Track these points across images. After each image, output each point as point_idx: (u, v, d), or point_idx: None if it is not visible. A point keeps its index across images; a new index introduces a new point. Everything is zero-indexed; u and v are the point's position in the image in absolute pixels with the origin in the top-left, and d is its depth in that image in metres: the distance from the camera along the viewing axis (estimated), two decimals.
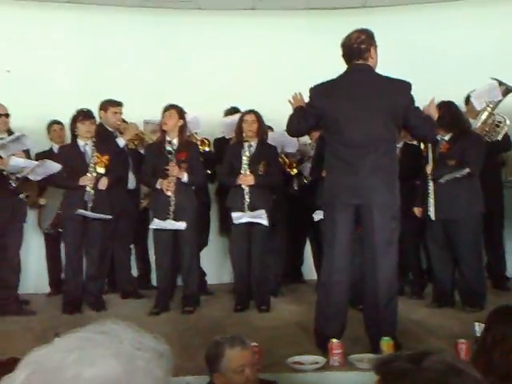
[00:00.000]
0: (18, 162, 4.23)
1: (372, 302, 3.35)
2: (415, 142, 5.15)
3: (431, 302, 4.55)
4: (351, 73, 3.46)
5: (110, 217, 4.63)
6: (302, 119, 3.56)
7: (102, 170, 4.64)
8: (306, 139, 5.34)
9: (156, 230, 4.67)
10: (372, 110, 3.35)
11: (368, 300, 3.40)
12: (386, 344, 3.14)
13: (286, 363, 3.09)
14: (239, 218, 4.58)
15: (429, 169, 4.49)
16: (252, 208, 4.59)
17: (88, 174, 4.60)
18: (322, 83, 3.51)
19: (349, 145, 3.35)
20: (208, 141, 5.39)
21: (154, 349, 0.71)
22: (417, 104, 3.49)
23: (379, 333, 3.25)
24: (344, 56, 3.47)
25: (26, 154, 4.57)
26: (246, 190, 4.59)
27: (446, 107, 4.49)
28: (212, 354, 2.42)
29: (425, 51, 5.92)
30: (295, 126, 3.63)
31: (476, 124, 4.83)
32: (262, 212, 4.54)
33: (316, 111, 3.48)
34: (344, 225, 3.37)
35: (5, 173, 3.76)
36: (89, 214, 4.56)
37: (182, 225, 4.53)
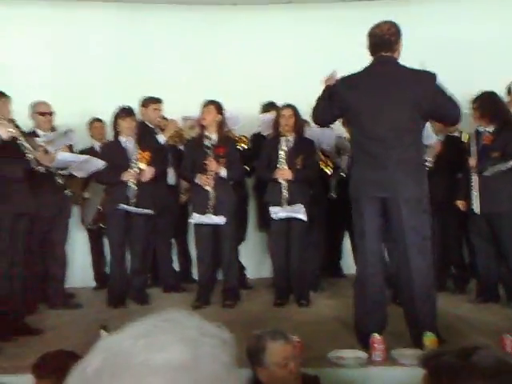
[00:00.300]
0: (65, 156, 4.33)
1: (408, 297, 3.33)
2: (456, 134, 5.06)
3: (475, 297, 4.48)
4: (377, 65, 3.42)
5: (152, 212, 4.71)
6: (327, 109, 3.56)
7: (143, 166, 4.73)
8: (342, 132, 5.30)
9: (196, 225, 4.73)
10: (397, 101, 3.31)
11: (404, 295, 3.39)
12: (429, 339, 3.11)
13: (327, 358, 3.10)
14: (277, 212, 4.60)
15: (472, 161, 4.41)
16: (290, 202, 4.59)
17: (130, 170, 4.69)
18: (349, 76, 3.50)
19: (374, 138, 3.33)
20: (246, 138, 5.41)
21: (218, 336, 0.72)
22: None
23: (418, 328, 3.23)
24: (372, 46, 3.42)
25: (70, 149, 4.68)
26: (284, 184, 4.60)
27: (488, 98, 4.40)
28: (254, 348, 2.42)
29: (460, 42, 5.78)
30: (320, 115, 3.64)
31: None
32: (300, 207, 4.54)
33: (341, 104, 3.47)
34: (372, 218, 3.36)
35: (52, 169, 3.87)
36: (131, 208, 4.65)
37: (221, 219, 4.57)
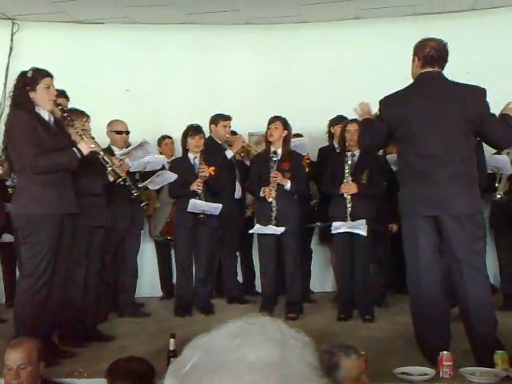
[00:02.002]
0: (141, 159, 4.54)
1: (466, 315, 3.27)
2: None
3: None
4: (424, 80, 3.39)
5: (221, 205, 4.83)
6: (374, 134, 3.54)
7: (207, 174, 4.87)
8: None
9: (260, 237, 4.82)
10: (447, 117, 3.27)
11: (462, 313, 3.32)
12: (501, 358, 3.03)
13: (392, 373, 3.07)
14: (338, 227, 4.60)
15: None
16: (354, 217, 4.58)
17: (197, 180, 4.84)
18: (394, 93, 3.47)
19: (425, 155, 3.27)
20: (309, 165, 5.42)
21: (300, 338, 0.77)
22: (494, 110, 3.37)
23: (480, 345, 3.17)
24: (426, 57, 3.38)
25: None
26: (348, 198, 4.60)
27: None
28: (326, 364, 2.39)
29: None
30: (367, 143, 3.64)
31: None
32: (362, 222, 4.52)
33: (387, 123, 3.43)
34: (426, 236, 3.31)
35: (128, 183, 4.06)
36: (201, 202, 4.78)
37: (280, 229, 4.61)
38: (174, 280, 5.34)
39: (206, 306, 4.87)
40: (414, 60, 3.45)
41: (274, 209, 4.65)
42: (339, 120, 5.31)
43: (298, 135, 5.59)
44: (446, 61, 3.40)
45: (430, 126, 3.28)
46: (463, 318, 3.33)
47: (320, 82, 5.97)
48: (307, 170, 5.28)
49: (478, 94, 3.33)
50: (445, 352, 3.06)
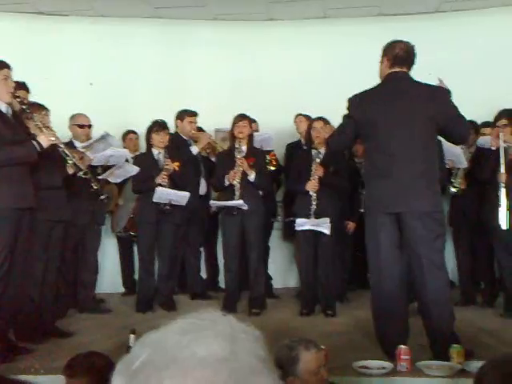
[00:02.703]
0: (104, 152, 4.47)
1: (425, 310, 3.33)
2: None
3: (503, 311, 4.43)
4: (391, 80, 3.45)
5: (188, 194, 4.78)
6: (341, 133, 3.59)
7: (172, 167, 4.83)
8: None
9: (224, 234, 4.81)
10: (412, 117, 3.33)
11: (421, 308, 3.38)
12: (456, 352, 3.10)
13: (352, 367, 3.11)
14: (302, 224, 4.62)
15: (502, 176, 4.36)
16: (318, 215, 4.61)
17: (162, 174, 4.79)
18: (361, 92, 3.52)
19: (389, 153, 3.33)
20: (276, 160, 5.44)
21: (250, 332, 0.77)
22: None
23: (441, 341, 3.23)
24: (395, 58, 3.43)
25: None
26: (314, 196, 4.63)
27: (509, 116, 4.40)
28: (286, 358, 2.41)
29: (500, 56, 5.76)
30: (335, 142, 3.69)
31: None
32: (326, 221, 4.56)
33: (354, 121, 3.48)
34: (388, 233, 3.36)
35: (89, 176, 3.99)
36: (168, 190, 4.72)
37: (243, 204, 4.59)
38: (136, 276, 5.28)
39: (168, 302, 4.84)
40: (382, 61, 3.50)
41: (237, 193, 4.62)
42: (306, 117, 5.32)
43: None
44: (413, 63, 3.46)
45: (394, 126, 3.33)
46: (422, 312, 3.39)
47: (287, 80, 5.99)
48: (274, 163, 5.29)
49: (443, 94, 3.40)
50: (402, 346, 3.11)
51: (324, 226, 4.55)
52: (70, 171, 3.94)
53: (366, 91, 3.51)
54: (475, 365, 2.93)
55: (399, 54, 3.43)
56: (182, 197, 4.79)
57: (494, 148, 4.46)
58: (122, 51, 6.11)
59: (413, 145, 3.31)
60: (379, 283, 3.41)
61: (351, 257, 5.39)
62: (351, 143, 3.96)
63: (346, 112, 3.57)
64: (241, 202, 4.62)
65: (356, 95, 3.52)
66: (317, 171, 4.61)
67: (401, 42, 3.48)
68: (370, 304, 3.54)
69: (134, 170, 4.76)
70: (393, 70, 3.44)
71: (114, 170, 4.57)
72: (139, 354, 0.72)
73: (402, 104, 3.35)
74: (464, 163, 4.72)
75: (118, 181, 4.80)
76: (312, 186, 4.61)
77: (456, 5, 5.99)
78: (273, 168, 5.33)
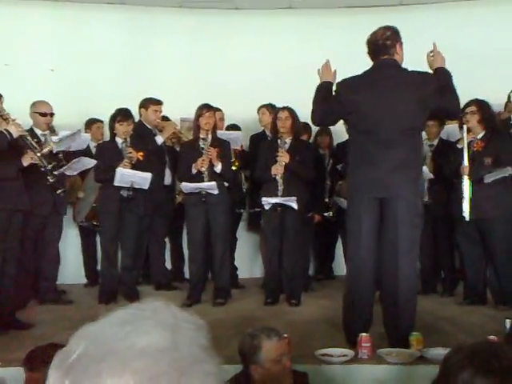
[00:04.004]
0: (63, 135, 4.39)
1: (391, 297, 3.36)
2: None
3: (463, 300, 4.54)
4: (377, 68, 3.47)
5: (150, 175, 4.70)
6: (328, 111, 3.57)
7: (134, 156, 4.74)
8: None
9: (189, 224, 4.78)
10: (399, 103, 3.35)
11: (388, 295, 3.42)
12: (416, 339, 3.16)
13: (314, 355, 3.14)
14: (268, 200, 4.62)
15: (465, 168, 4.43)
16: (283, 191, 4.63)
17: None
18: (349, 78, 3.53)
19: (375, 139, 3.36)
20: (238, 161, 5.42)
21: (192, 321, 0.76)
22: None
23: (399, 328, 3.28)
24: (369, 53, 3.48)
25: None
26: (280, 181, 4.64)
27: (479, 106, 4.47)
28: (248, 347, 2.45)
29: (461, 49, 5.85)
30: (321, 118, 3.66)
31: None
32: (293, 198, 4.57)
33: (343, 106, 3.49)
34: (369, 218, 3.39)
35: (42, 169, 3.92)
36: (128, 171, 4.64)
37: (213, 188, 4.57)
38: (99, 266, 5.21)
39: (132, 293, 4.79)
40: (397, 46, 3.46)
41: (206, 179, 4.58)
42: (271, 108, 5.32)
43: (235, 126, 5.59)
44: (390, 48, 3.43)
45: (381, 113, 3.35)
46: (386, 300, 3.43)
47: (252, 69, 5.96)
48: (236, 164, 5.27)
49: (428, 77, 3.43)
50: (363, 334, 3.15)
51: (292, 201, 4.55)
52: (25, 163, 3.85)
53: (354, 77, 3.52)
54: (434, 352, 3.00)
55: (370, 48, 3.46)
56: (143, 178, 4.69)
57: (460, 146, 4.52)
58: (84, 37, 5.98)
59: (398, 133, 3.34)
60: (357, 269, 3.43)
61: (317, 247, 5.45)
62: (333, 124, 3.92)
63: (334, 94, 3.55)
64: (213, 183, 4.58)
65: (345, 80, 3.52)
66: (282, 157, 4.62)
67: (374, 32, 3.48)
68: (344, 289, 3.56)
69: (91, 162, 4.70)
70: (378, 59, 3.45)
71: (71, 164, 4.50)
72: (76, 346, 0.71)
73: (387, 92, 3.37)
74: (429, 175, 4.77)
75: (75, 173, 4.72)
76: (277, 170, 4.61)
77: None
78: (234, 168, 5.29)
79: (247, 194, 5.62)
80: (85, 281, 5.55)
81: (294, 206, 4.57)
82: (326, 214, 5.21)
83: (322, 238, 5.63)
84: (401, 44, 3.48)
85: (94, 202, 5.18)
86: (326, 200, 5.37)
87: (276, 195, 4.64)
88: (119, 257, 4.92)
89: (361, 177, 3.42)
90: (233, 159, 5.12)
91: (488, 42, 5.84)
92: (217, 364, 0.75)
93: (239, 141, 5.33)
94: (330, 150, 5.71)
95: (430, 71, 3.51)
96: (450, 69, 5.29)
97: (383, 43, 3.43)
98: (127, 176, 4.65)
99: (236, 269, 5.46)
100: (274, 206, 4.62)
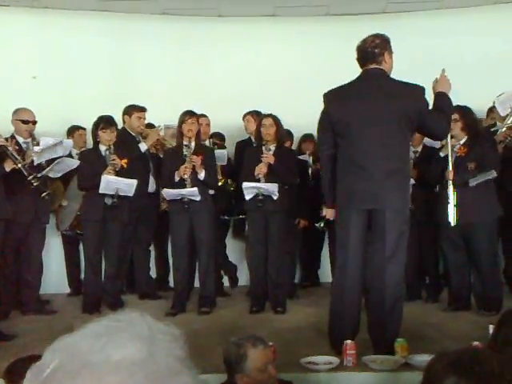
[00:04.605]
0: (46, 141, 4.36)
1: (378, 304, 3.38)
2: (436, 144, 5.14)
3: (447, 306, 4.56)
4: (364, 77, 3.48)
5: (135, 181, 4.67)
6: (323, 132, 3.58)
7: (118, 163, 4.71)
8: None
9: (174, 233, 4.76)
10: (385, 114, 3.37)
11: (374, 302, 3.43)
12: (401, 346, 3.17)
13: (300, 363, 3.13)
14: (249, 184, 4.61)
15: (450, 174, 4.45)
16: (269, 207, 4.61)
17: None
18: (336, 88, 3.54)
19: (362, 150, 3.37)
20: (225, 178, 5.40)
21: (169, 332, 0.75)
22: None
23: (385, 335, 3.29)
24: (358, 60, 3.50)
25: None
26: (263, 180, 4.65)
27: (461, 113, 4.51)
28: (234, 356, 2.43)
29: (445, 57, 5.91)
30: (323, 144, 3.64)
31: (501, 129, 4.82)
32: (274, 186, 4.56)
33: (330, 116, 3.50)
34: (357, 229, 3.40)
35: (26, 172, 3.87)
36: (114, 178, 4.60)
37: (193, 191, 4.53)
38: (82, 276, 5.15)
39: (116, 303, 4.74)
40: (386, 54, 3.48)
41: (188, 186, 4.56)
42: (256, 115, 5.32)
43: (219, 134, 5.58)
44: (378, 56, 3.45)
45: (368, 123, 3.36)
46: (373, 307, 3.44)
47: (236, 76, 5.97)
48: (221, 178, 5.25)
49: (417, 91, 3.43)
50: (348, 341, 3.15)
51: (273, 188, 4.55)
52: (8, 168, 3.80)
53: (341, 87, 3.53)
54: (419, 358, 3.01)
55: (359, 55, 3.48)
56: (129, 185, 4.65)
57: (442, 155, 4.55)
58: (67, 44, 5.94)
59: (386, 143, 3.35)
60: (344, 278, 3.44)
61: (302, 254, 5.45)
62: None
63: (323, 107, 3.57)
64: (195, 189, 4.55)
65: (331, 90, 3.54)
66: (267, 158, 4.63)
67: (364, 39, 3.50)
68: (330, 297, 3.56)
69: (74, 163, 4.66)
70: (366, 68, 3.47)
71: (54, 166, 4.46)
72: (50, 360, 0.69)
73: (374, 102, 3.39)
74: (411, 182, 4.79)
75: (59, 175, 4.67)
76: (261, 169, 4.62)
77: (401, 6, 6.12)
78: (220, 184, 5.27)
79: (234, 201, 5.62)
80: (68, 290, 5.48)
81: (275, 194, 4.55)
82: (316, 225, 5.22)
83: (308, 244, 5.63)
84: (390, 53, 3.50)
85: (77, 211, 5.13)
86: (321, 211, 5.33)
87: (260, 201, 4.62)
88: (103, 266, 4.87)
89: (349, 187, 3.43)
90: (220, 177, 5.13)
91: (470, 49, 5.91)
92: (194, 375, 0.74)
93: (225, 158, 5.33)
94: (314, 157, 5.72)
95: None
96: (431, 76, 5.37)
97: (372, 51, 3.45)
98: (112, 183, 4.61)
99: (222, 277, 5.44)
100: (257, 195, 4.60)
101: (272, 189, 4.58)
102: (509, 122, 4.78)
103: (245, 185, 4.65)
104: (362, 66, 3.51)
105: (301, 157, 5.48)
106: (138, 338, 0.71)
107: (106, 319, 0.75)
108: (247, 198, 4.67)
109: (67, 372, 0.67)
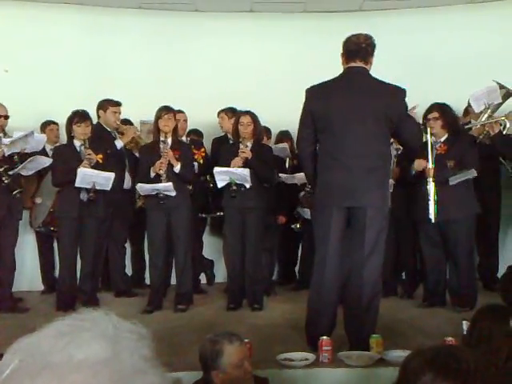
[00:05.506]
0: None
1: (356, 300, 3.40)
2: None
3: (422, 302, 4.60)
4: (348, 75, 3.48)
5: (113, 174, 4.60)
6: (304, 128, 3.56)
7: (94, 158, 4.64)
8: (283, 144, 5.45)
9: (150, 229, 4.72)
10: (368, 112, 3.38)
11: (352, 298, 3.45)
12: (376, 341, 3.19)
13: (276, 360, 3.12)
14: (220, 169, 4.59)
15: (430, 171, 4.48)
16: (245, 206, 4.60)
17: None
18: (318, 84, 3.53)
19: (344, 148, 3.38)
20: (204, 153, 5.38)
21: (135, 331, 0.75)
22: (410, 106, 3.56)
23: (361, 331, 3.30)
24: (348, 52, 3.47)
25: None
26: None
27: (441, 111, 4.54)
28: (210, 352, 2.42)
29: (420, 55, 5.97)
30: (303, 141, 3.61)
31: (475, 125, 4.88)
32: (246, 172, 4.54)
33: (312, 113, 3.49)
34: (337, 226, 3.41)
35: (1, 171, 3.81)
36: (91, 171, 4.52)
37: (168, 186, 4.49)
38: (57, 273, 5.07)
39: (91, 300, 4.67)
40: (341, 55, 3.51)
41: (164, 181, 4.52)
42: (231, 111, 5.31)
43: (196, 131, 5.55)
44: (369, 55, 3.46)
45: (349, 121, 3.37)
46: (350, 303, 3.45)
47: (213, 72, 5.94)
48: (202, 162, 5.24)
49: (399, 93, 3.44)
50: (324, 337, 3.16)
51: (245, 174, 4.53)
52: None
53: (323, 83, 3.52)
54: (393, 354, 3.03)
55: (349, 48, 3.46)
56: (106, 178, 4.58)
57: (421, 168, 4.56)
58: (41, 37, 5.82)
59: (366, 141, 3.36)
60: (323, 275, 3.44)
61: (280, 251, 5.46)
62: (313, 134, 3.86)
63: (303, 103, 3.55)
64: (170, 184, 4.51)
65: (313, 87, 3.52)
66: (244, 153, 4.62)
67: (356, 34, 3.49)
68: (309, 293, 3.56)
69: (47, 161, 4.58)
70: (350, 65, 3.46)
71: (26, 164, 4.38)
72: (10, 360, 0.68)
73: (357, 100, 3.39)
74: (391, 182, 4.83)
75: (30, 173, 4.60)
76: (236, 162, 4.60)
77: (377, 4, 6.15)
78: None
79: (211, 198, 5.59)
80: (42, 288, 5.40)
81: (247, 181, 4.54)
82: (292, 226, 5.23)
83: (285, 241, 5.63)
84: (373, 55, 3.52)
85: (51, 207, 5.06)
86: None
87: (237, 200, 4.60)
88: (78, 263, 4.80)
89: (330, 184, 3.43)
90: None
91: (446, 47, 5.96)
92: (160, 374, 0.73)
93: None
94: (291, 154, 5.73)
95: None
96: (407, 74, 5.43)
97: (365, 48, 3.46)
98: (89, 176, 4.53)
99: (199, 274, 5.42)
100: (230, 185, 4.58)
101: (243, 173, 4.55)
102: (483, 118, 4.84)
103: (216, 169, 4.62)
104: (347, 61, 3.48)
105: (280, 145, 5.46)
106: (103, 337, 0.70)
107: (70, 318, 0.74)
108: (219, 185, 4.64)
109: (27, 372, 0.66)
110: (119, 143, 5.07)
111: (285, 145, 5.46)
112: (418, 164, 4.51)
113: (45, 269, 5.45)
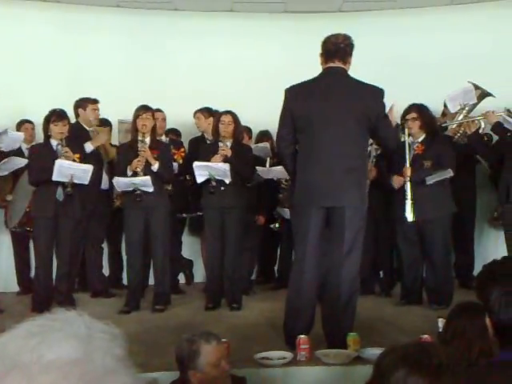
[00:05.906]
0: None
1: (334, 299, 3.41)
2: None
3: (399, 300, 4.64)
4: (327, 75, 3.49)
5: (91, 167, 4.53)
6: (283, 128, 3.55)
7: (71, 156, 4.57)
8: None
9: (128, 230, 4.68)
10: (347, 113, 3.39)
11: (330, 297, 3.46)
12: (353, 339, 3.20)
13: (253, 359, 3.12)
14: (200, 163, 4.57)
15: (407, 171, 4.51)
16: (226, 205, 4.59)
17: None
18: (298, 84, 3.54)
19: (323, 147, 3.39)
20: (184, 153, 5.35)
21: (107, 331, 0.74)
22: (387, 107, 3.57)
23: (339, 329, 3.32)
24: (326, 52, 3.48)
25: None
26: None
27: (419, 112, 4.59)
28: (187, 352, 2.40)
29: (399, 56, 6.02)
30: (282, 141, 3.60)
31: (451, 125, 4.93)
32: (226, 167, 4.53)
33: (291, 112, 3.49)
34: (316, 225, 3.42)
35: None
36: (68, 162, 4.43)
37: (145, 180, 4.45)
38: (32, 274, 5.00)
39: (67, 301, 4.60)
40: (320, 55, 3.51)
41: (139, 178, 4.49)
42: (208, 112, 5.29)
43: (174, 130, 5.52)
44: (348, 55, 3.47)
45: (328, 121, 3.37)
46: (327, 302, 3.47)
47: (192, 71, 5.92)
48: (181, 161, 5.22)
49: (377, 93, 3.46)
50: (302, 336, 3.17)
51: (225, 168, 4.52)
52: None
53: (302, 83, 3.52)
54: (370, 352, 3.05)
55: (328, 48, 3.47)
56: (84, 170, 4.49)
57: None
58: (17, 35, 5.74)
59: (345, 141, 3.37)
60: (301, 274, 3.44)
61: (260, 250, 5.46)
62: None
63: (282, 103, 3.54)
64: (147, 178, 4.46)
65: (293, 86, 3.52)
66: (223, 151, 4.61)
67: (335, 35, 3.50)
68: (288, 292, 3.56)
69: (22, 162, 4.52)
70: (328, 65, 3.47)
71: (1, 165, 4.31)
72: None
73: (336, 100, 3.40)
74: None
75: (6, 173, 4.52)
76: (216, 159, 4.59)
77: (357, 5, 6.20)
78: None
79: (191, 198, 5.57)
80: (17, 289, 5.32)
81: (227, 176, 4.53)
82: (271, 226, 5.24)
83: (265, 240, 5.63)
84: (352, 55, 3.53)
85: (27, 207, 4.98)
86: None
87: (217, 199, 4.59)
88: (54, 263, 4.74)
89: (309, 184, 3.43)
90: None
91: (423, 49, 6.01)
92: (132, 374, 0.73)
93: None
94: (272, 153, 5.73)
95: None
96: (386, 75, 5.47)
97: (344, 48, 3.47)
98: (66, 168, 4.44)
99: (177, 274, 5.39)
100: (209, 181, 4.57)
101: (224, 168, 4.53)
102: (459, 118, 4.91)
103: (196, 164, 4.60)
104: (326, 61, 3.49)
105: (260, 144, 5.46)
106: (74, 338, 0.70)
107: (42, 318, 0.73)
108: (199, 180, 4.63)
109: None
110: (89, 147, 4.93)
111: (265, 144, 5.46)
112: (397, 181, 4.57)
113: (20, 269, 5.37)
